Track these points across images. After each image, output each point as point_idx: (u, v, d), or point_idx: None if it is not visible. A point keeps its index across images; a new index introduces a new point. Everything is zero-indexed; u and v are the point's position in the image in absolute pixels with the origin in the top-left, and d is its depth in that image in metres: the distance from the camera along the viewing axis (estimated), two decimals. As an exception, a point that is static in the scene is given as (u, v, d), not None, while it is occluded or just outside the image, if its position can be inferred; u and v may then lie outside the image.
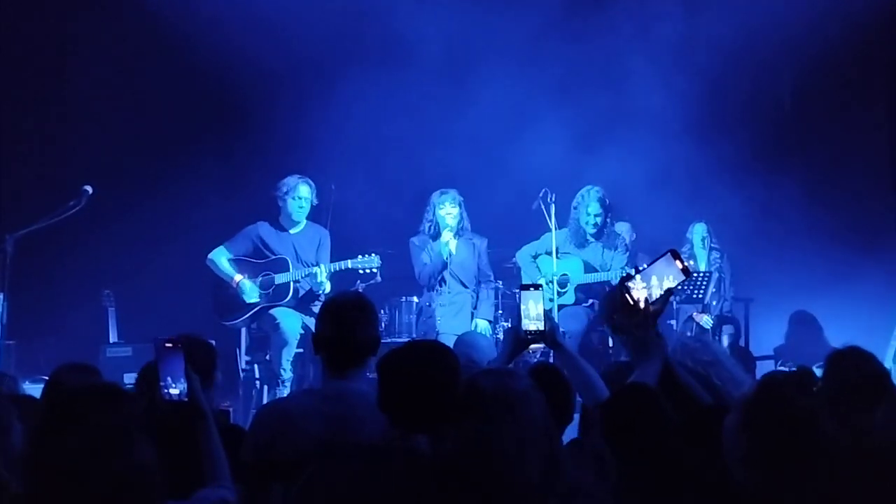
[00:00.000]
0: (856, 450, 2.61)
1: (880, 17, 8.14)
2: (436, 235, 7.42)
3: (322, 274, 6.97)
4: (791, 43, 8.29)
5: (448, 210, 7.37)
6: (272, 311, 7.00)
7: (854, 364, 3.43)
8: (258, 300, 7.07)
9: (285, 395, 6.52)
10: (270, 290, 7.06)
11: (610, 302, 4.01)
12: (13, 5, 8.29)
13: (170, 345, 2.99)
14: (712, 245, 7.91)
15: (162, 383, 2.99)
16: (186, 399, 2.98)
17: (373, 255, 7.04)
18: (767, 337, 8.34)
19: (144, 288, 8.02)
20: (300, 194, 7.11)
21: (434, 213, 7.43)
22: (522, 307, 3.34)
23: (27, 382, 6.10)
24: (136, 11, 8.37)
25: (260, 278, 7.09)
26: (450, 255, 7.33)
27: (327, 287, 7.02)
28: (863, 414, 3.07)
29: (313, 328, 6.69)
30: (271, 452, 3.14)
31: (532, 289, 3.35)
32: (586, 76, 8.21)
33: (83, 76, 8.49)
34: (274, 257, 7.13)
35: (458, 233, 7.46)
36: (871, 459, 2.64)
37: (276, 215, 7.23)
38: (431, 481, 2.52)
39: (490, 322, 7.49)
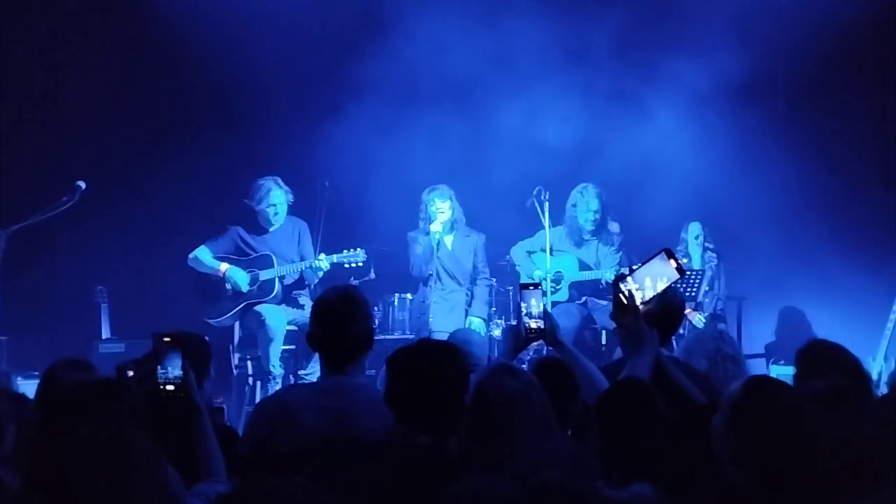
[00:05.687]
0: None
1: (875, 8, 8.12)
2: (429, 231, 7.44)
3: (324, 262, 6.98)
4: (785, 38, 8.30)
5: (438, 206, 7.41)
6: (258, 308, 7.03)
7: (826, 357, 3.42)
8: (251, 287, 7.07)
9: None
10: (256, 286, 7.08)
11: None
12: (9, 3, 8.25)
13: (168, 339, 3.05)
14: (706, 244, 7.90)
15: (159, 378, 3.02)
16: (182, 395, 3.01)
17: (358, 249, 7.07)
18: (760, 336, 8.34)
19: (137, 284, 8.00)
20: (272, 201, 7.13)
21: (427, 211, 7.48)
22: (523, 305, 3.37)
23: (19, 378, 6.10)
24: (131, 10, 8.35)
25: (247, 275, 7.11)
26: (438, 244, 7.35)
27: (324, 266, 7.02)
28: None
29: (298, 320, 6.82)
30: (269, 446, 3.16)
31: (532, 287, 3.39)
32: (581, 72, 8.20)
33: (77, 73, 8.47)
34: (257, 254, 7.16)
35: (453, 226, 7.48)
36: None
37: (251, 218, 7.24)
38: (431, 478, 2.53)
39: (484, 320, 7.49)
